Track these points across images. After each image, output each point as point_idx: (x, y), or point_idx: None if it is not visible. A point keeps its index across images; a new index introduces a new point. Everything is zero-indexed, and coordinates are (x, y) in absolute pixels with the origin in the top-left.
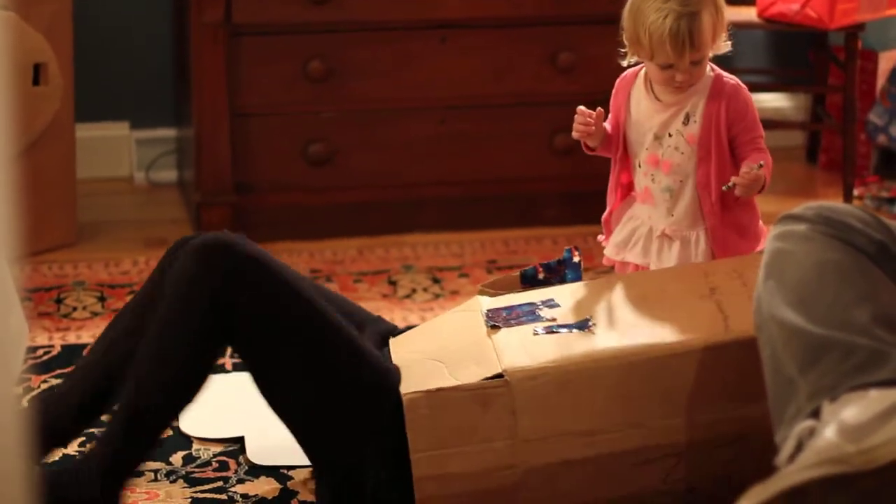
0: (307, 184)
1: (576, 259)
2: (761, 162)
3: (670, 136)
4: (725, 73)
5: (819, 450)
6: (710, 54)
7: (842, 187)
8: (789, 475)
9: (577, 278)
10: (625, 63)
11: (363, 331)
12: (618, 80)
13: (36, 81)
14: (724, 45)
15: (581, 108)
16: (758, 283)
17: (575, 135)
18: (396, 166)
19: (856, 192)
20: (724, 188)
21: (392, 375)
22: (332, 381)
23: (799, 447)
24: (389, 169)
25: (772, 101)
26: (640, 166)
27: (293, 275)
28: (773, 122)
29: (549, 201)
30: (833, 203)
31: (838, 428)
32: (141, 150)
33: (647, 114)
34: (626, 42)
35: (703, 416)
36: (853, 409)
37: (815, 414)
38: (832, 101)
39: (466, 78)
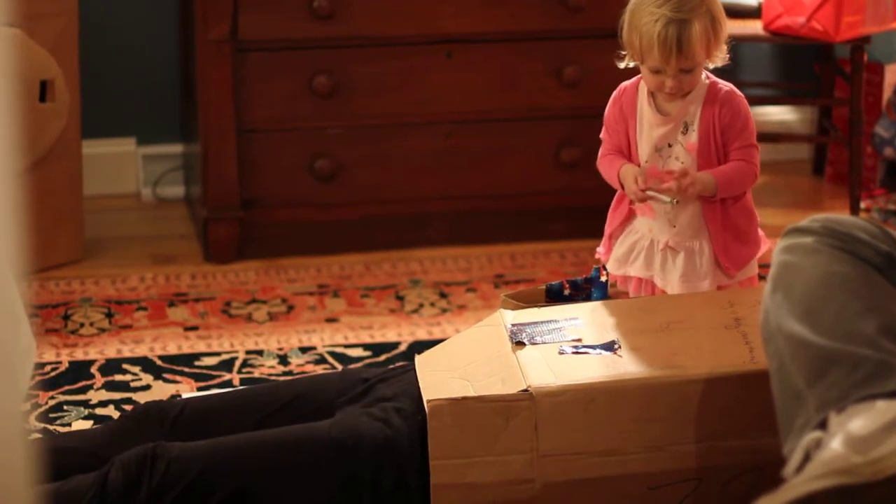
0: (314, 199)
1: (603, 278)
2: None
3: (670, 146)
4: (721, 81)
5: (826, 461)
6: (708, 65)
7: (848, 200)
8: (797, 486)
9: (603, 297)
10: (622, 65)
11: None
12: (617, 94)
13: (42, 98)
14: (722, 59)
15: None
16: (765, 296)
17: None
18: (403, 181)
19: (863, 205)
20: (672, 201)
21: (352, 429)
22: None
23: (806, 458)
24: (396, 184)
25: (778, 114)
26: None
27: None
28: (779, 135)
29: (555, 215)
30: (839, 215)
31: (845, 439)
32: (148, 166)
33: (649, 127)
34: (623, 44)
35: (721, 445)
36: (860, 421)
37: (823, 426)
38: (838, 114)
39: (472, 92)
